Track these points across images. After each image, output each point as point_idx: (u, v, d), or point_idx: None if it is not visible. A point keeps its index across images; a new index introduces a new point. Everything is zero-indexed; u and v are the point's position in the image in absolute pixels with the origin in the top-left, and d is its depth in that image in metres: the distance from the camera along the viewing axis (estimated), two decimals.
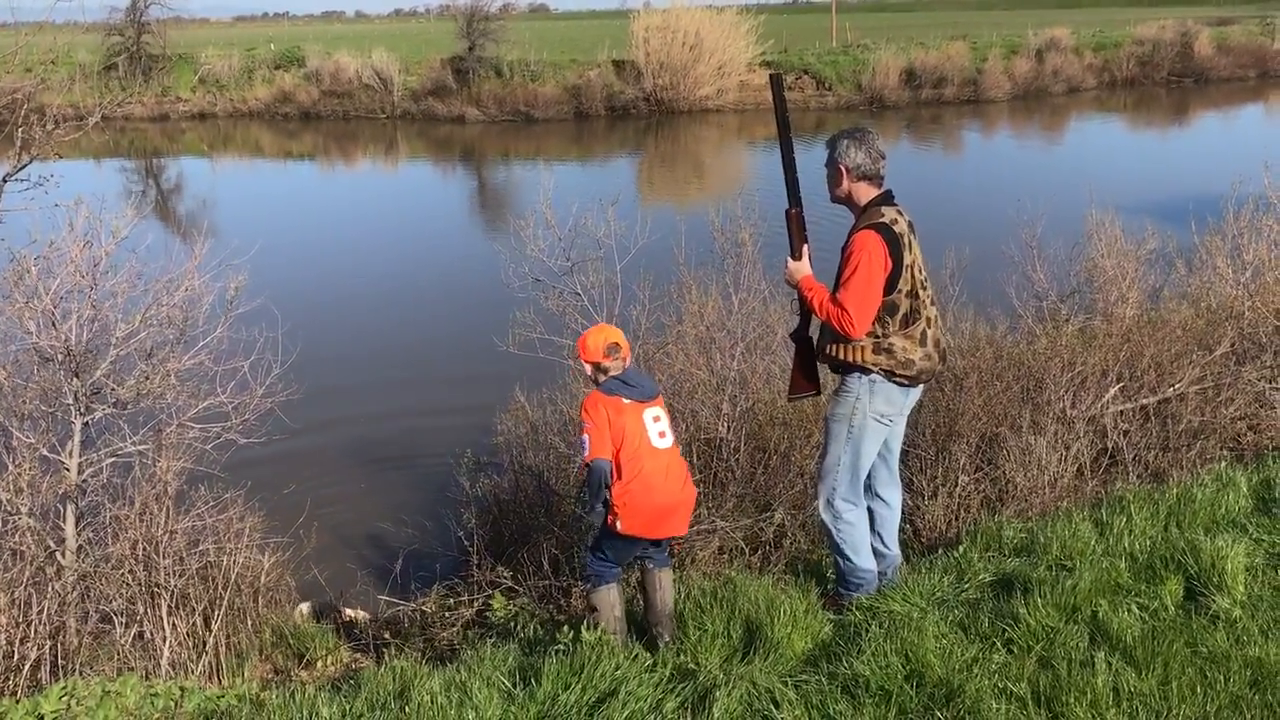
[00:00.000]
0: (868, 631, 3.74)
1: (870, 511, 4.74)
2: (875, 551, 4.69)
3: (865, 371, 4.39)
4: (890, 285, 4.28)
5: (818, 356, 4.61)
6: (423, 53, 44.97)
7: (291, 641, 6.70)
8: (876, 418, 4.46)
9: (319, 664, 6.52)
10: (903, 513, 6.32)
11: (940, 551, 4.77)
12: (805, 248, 4.61)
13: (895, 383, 4.41)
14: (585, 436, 4.47)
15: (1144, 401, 7.37)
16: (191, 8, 49.00)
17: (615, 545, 4.66)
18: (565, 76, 42.17)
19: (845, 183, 4.49)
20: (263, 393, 6.41)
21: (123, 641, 5.55)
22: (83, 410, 5.96)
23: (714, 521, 6.34)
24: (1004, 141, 34.75)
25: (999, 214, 13.20)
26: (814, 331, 4.80)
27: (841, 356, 4.41)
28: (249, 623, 6.51)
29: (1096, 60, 48.56)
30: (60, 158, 6.67)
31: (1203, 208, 10.49)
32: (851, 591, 4.54)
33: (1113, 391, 7.24)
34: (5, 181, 6.18)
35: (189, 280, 6.30)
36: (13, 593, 5.49)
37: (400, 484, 9.25)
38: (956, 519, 6.17)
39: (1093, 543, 4.32)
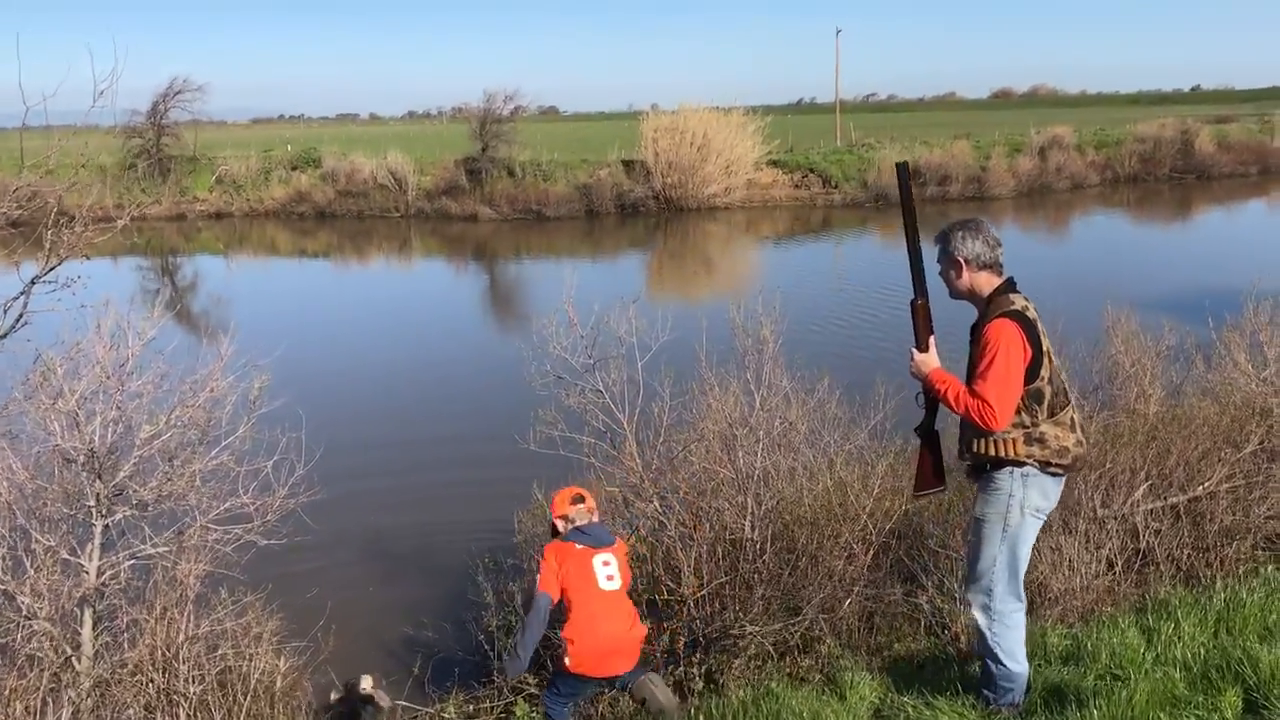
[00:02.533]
0: None
1: None
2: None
3: (1018, 464, 4.20)
4: (1032, 373, 4.13)
5: (961, 455, 4.41)
6: (436, 154, 45.81)
7: None
8: (1032, 513, 4.26)
9: None
10: (940, 616, 6.23)
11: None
12: (932, 339, 4.46)
13: (1050, 474, 4.24)
14: (539, 574, 5.07)
15: (1174, 500, 7.27)
16: (210, 110, 49.94)
17: (567, 682, 5.21)
18: (576, 176, 42.86)
19: (965, 275, 4.37)
20: (285, 493, 6.36)
21: None
22: (104, 512, 5.90)
23: (742, 626, 6.21)
24: (1011, 238, 34.75)
25: None
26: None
27: (991, 452, 4.22)
28: None
29: (1099, 157, 49.25)
30: (88, 259, 6.73)
31: (1216, 303, 10.52)
32: (1000, 698, 4.29)
33: (1142, 490, 7.14)
34: (34, 284, 6.22)
35: (214, 381, 6.29)
36: (27, 700, 5.38)
37: (420, 584, 9.12)
38: None
39: (1142, 650, 4.21)
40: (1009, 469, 4.20)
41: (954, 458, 4.67)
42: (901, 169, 4.55)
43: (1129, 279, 20.64)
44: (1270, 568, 5.63)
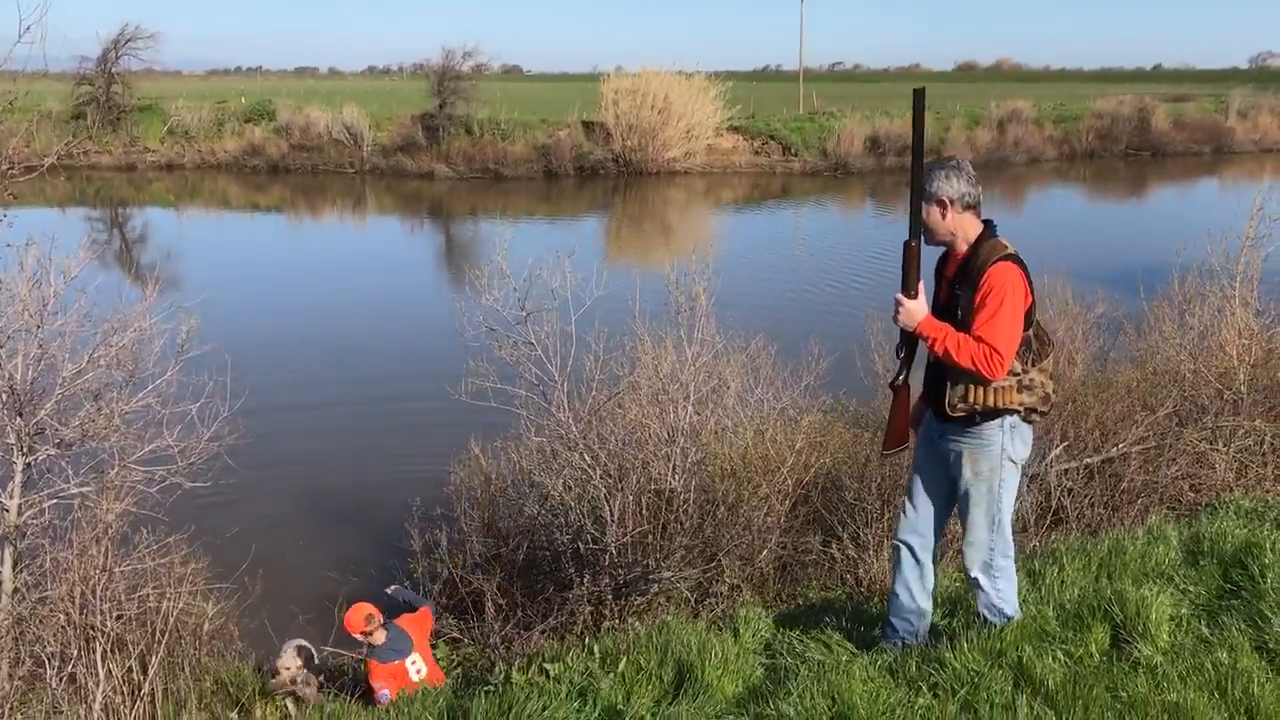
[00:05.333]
0: (797, 675, 3.76)
1: (924, 567, 4.34)
2: (920, 610, 4.32)
3: (1008, 413, 4.04)
4: (1028, 319, 4.00)
5: (953, 407, 4.07)
6: (394, 109, 45.28)
7: (231, 690, 6.61)
8: (1018, 462, 4.13)
9: (257, 712, 6.43)
10: (851, 566, 6.39)
11: (876, 600, 4.78)
12: (920, 286, 4.12)
13: (1029, 422, 4.12)
14: (385, 692, 5.95)
15: (1088, 460, 7.47)
16: (164, 60, 49.03)
17: None
18: (535, 136, 42.60)
19: (950, 216, 4.08)
20: (209, 436, 6.38)
21: (54, 685, 5.46)
22: (25, 450, 5.90)
23: (659, 572, 6.35)
24: None
25: None
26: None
27: (989, 402, 4.01)
28: (188, 670, 6.42)
29: (1057, 132, 49.67)
30: (15, 199, 6.67)
31: (1154, 276, 10.74)
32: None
33: (1057, 450, 7.34)
34: None
35: (139, 322, 6.28)
36: None
37: (349, 533, 9.17)
38: None
39: (1025, 592, 4.37)
40: (999, 420, 4.04)
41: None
42: (918, 95, 4.13)
43: (1073, 251, 20.87)
44: (1155, 518, 5.82)
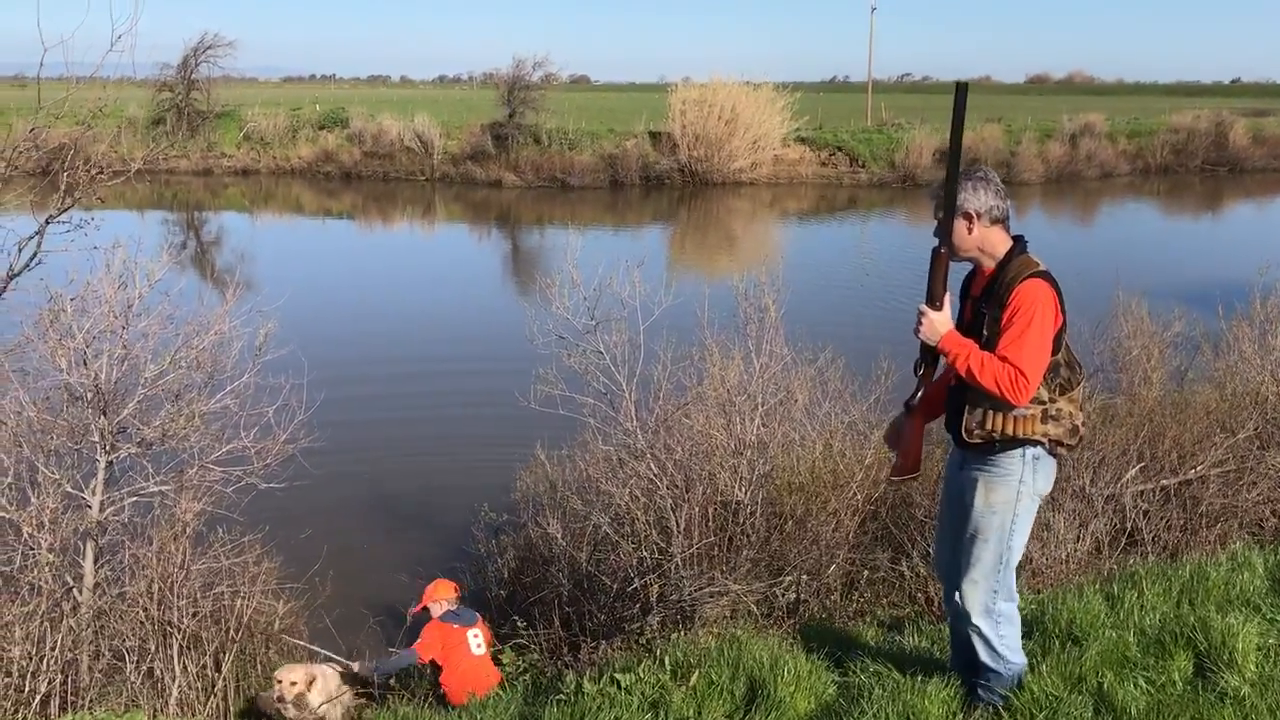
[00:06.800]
0: (871, 694, 3.72)
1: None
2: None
3: (1030, 444, 3.77)
4: (1056, 343, 3.72)
5: (970, 433, 3.82)
6: (464, 118, 45.81)
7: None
8: (1038, 497, 3.84)
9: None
10: (921, 583, 6.32)
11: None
12: (946, 297, 3.87)
13: (1056, 455, 3.83)
14: (423, 642, 6.57)
15: (1164, 482, 7.31)
16: (241, 67, 50.10)
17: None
18: (602, 146, 42.80)
19: (976, 231, 3.83)
20: (285, 438, 6.49)
21: (133, 678, 5.59)
22: (108, 449, 6.05)
23: (725, 584, 6.32)
24: (1034, 222, 34.81)
25: None
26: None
27: (1009, 430, 3.74)
28: (259, 668, 6.55)
29: (1130, 146, 48.72)
30: (103, 202, 6.85)
31: (1233, 295, 10.48)
32: (998, 692, 3.85)
33: (1133, 471, 7.19)
34: (48, 223, 6.34)
35: (219, 324, 6.43)
36: (28, 626, 5.55)
37: (417, 536, 9.27)
38: None
39: (1103, 616, 4.28)
40: (1020, 450, 3.77)
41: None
42: (961, 89, 3.89)
43: (1147, 267, 20.52)
44: (1239, 544, 5.67)
